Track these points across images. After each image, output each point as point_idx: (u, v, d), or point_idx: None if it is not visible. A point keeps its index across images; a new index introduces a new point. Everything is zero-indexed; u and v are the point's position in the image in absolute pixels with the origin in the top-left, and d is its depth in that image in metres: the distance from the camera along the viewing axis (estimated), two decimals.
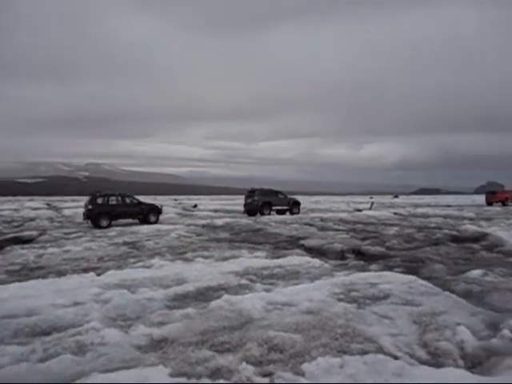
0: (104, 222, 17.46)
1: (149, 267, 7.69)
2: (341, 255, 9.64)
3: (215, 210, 28.98)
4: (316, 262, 8.19)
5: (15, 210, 26.68)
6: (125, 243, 11.69)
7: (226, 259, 8.52)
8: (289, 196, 25.32)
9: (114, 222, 18.11)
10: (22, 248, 10.76)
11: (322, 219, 18.53)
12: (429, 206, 33.44)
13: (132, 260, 8.87)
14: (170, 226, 15.77)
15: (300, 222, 17.27)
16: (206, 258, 8.75)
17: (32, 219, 20.69)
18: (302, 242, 11.59)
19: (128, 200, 18.94)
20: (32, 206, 29.74)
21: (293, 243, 11.60)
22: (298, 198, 28.67)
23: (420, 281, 6.19)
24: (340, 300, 5.24)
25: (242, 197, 23.06)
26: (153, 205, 20.10)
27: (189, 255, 9.14)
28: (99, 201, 18.01)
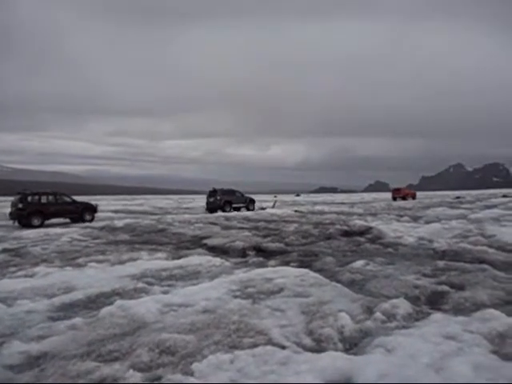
0: (36, 221, 17.17)
1: (31, 276, 6.94)
2: (242, 253, 9.87)
3: (116, 211, 27.42)
4: (217, 260, 8.27)
5: None
6: (5, 250, 10.36)
7: (122, 262, 8.10)
8: (246, 195, 28.16)
9: (45, 222, 17.67)
10: None
11: (226, 218, 18.76)
12: (325, 203, 36.17)
13: (12, 269, 7.90)
14: (63, 230, 14.43)
15: (204, 221, 17.25)
16: (100, 262, 8.20)
17: None
18: (204, 241, 11.58)
19: (62, 199, 18.72)
20: None
21: (195, 243, 11.53)
22: (204, 197, 28.58)
23: (312, 273, 6.65)
24: (236, 297, 5.36)
25: (145, 197, 22.71)
26: (88, 203, 19.86)
27: (81, 260, 8.47)
28: (30, 199, 17.57)
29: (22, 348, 3.85)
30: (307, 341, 4.06)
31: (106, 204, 35.88)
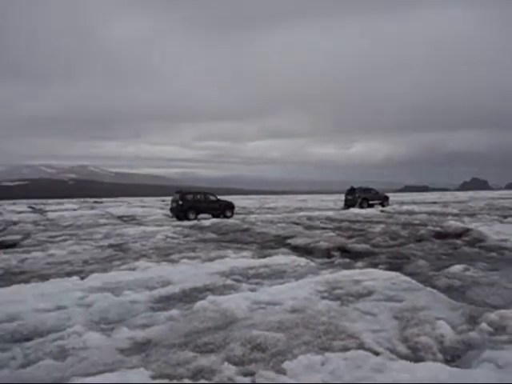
0: (191, 216, 20.45)
1: (134, 269, 7.64)
2: (327, 253, 9.71)
3: None
4: (302, 260, 8.25)
5: None
6: (110, 246, 11.58)
7: (211, 260, 8.51)
8: (380, 192, 30.97)
9: (196, 216, 20.74)
10: (5, 253, 10.55)
11: (309, 218, 18.63)
12: (414, 203, 33.90)
13: (117, 262, 8.80)
14: (157, 228, 15.67)
15: (287, 221, 17.34)
16: (191, 258, 8.72)
17: (15, 223, 20.32)
18: (288, 241, 11.64)
19: (209, 197, 21.90)
20: (15, 210, 29.19)
21: (279, 242, 11.64)
22: (286, 197, 29.16)
23: (403, 277, 6.28)
24: (324, 298, 5.29)
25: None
26: (228, 202, 22.69)
27: (175, 256, 9.11)
28: (188, 197, 21.01)
29: (129, 334, 4.27)
30: (402, 348, 3.85)
31: None
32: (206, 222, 17.14)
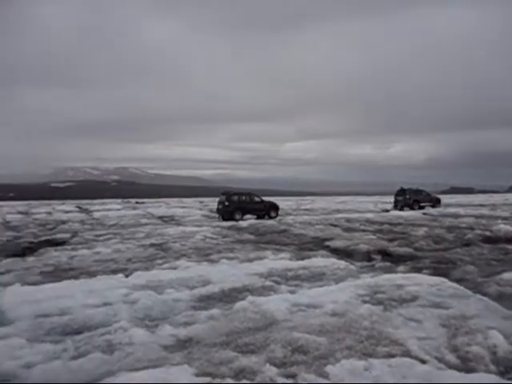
0: (237, 216, 20.55)
1: (175, 268, 7.82)
2: (367, 256, 9.49)
3: None
4: (341, 263, 8.10)
5: (48, 213, 27.72)
6: (152, 245, 11.93)
7: (250, 261, 8.55)
8: (432, 194, 30.52)
9: (241, 217, 20.88)
10: (55, 250, 11.16)
11: (347, 220, 18.29)
12: (460, 205, 32.36)
13: (159, 261, 9.05)
14: (196, 228, 15.97)
15: (325, 222, 17.12)
16: (230, 259, 8.81)
17: (64, 222, 21.43)
18: (327, 243, 11.49)
19: (254, 198, 22.05)
20: (64, 210, 30.82)
21: (318, 244, 11.51)
22: (323, 198, 28.88)
23: (450, 283, 6.01)
24: (365, 302, 5.16)
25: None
26: (273, 202, 22.75)
27: (214, 256, 9.24)
28: (234, 198, 21.34)
29: (172, 331, 4.37)
30: (451, 357, 3.67)
31: None
32: (244, 223, 17.26)
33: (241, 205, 21.35)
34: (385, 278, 6.42)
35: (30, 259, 9.87)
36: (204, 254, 9.89)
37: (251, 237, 13.56)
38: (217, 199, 23.54)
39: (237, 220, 19.82)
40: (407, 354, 3.63)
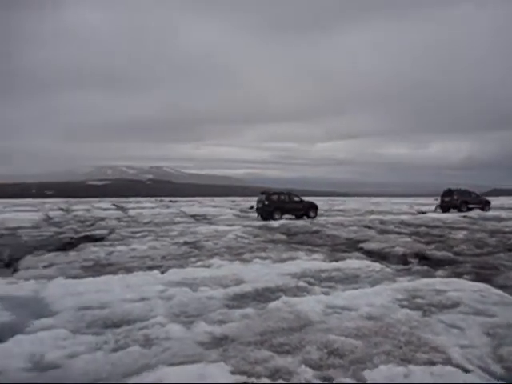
0: (277, 216, 20.67)
1: (208, 267, 7.93)
2: (403, 259, 9.23)
3: None
4: (376, 265, 7.92)
5: (87, 210, 28.85)
6: (185, 243, 12.15)
7: (283, 261, 8.53)
8: (481, 196, 29.76)
9: (281, 216, 21.01)
10: (94, 246, 11.60)
11: (381, 222, 17.86)
12: (503, 208, 30.82)
13: (192, 259, 9.20)
14: (228, 227, 16.11)
15: (358, 224, 16.79)
16: (263, 259, 8.83)
17: (102, 219, 22.23)
18: (360, 244, 11.27)
19: (293, 198, 22.09)
20: (101, 207, 31.98)
21: (351, 246, 11.32)
22: (355, 199, 28.20)
23: (493, 289, 5.74)
24: (403, 306, 5.01)
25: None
26: (312, 202, 22.57)
27: (246, 256, 9.29)
28: (274, 198, 21.47)
29: (207, 329, 4.42)
30: (496, 368, 3.50)
31: None
32: (275, 223, 17.24)
33: (280, 204, 21.38)
34: (423, 283, 6.23)
35: (72, 254, 10.31)
36: (236, 253, 9.96)
37: (283, 237, 13.52)
38: (248, 199, 23.69)
39: (276, 219, 19.89)
40: (449, 362, 3.49)
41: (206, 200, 49.44)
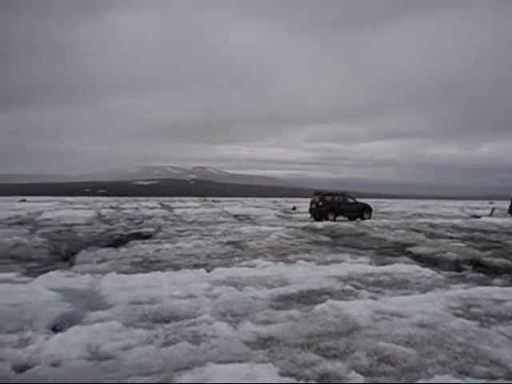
0: (330, 217, 20.59)
1: (253, 267, 7.97)
2: (456, 266, 8.75)
3: None
4: (427, 271, 7.58)
5: (135, 208, 30.07)
6: (229, 242, 12.29)
7: (327, 263, 8.39)
8: None
9: (334, 217, 20.83)
10: (143, 243, 12.05)
11: (431, 225, 17.08)
12: None
13: (236, 259, 9.29)
14: (271, 228, 16.12)
15: (406, 227, 16.18)
16: (307, 260, 8.74)
17: (149, 217, 23.06)
18: (409, 249, 10.85)
19: (347, 199, 21.93)
20: (148, 206, 33.20)
21: (399, 250, 10.92)
22: (403, 201, 27.08)
23: None
24: (458, 315, 4.76)
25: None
26: (366, 204, 22.48)
27: (290, 257, 9.24)
28: (328, 199, 21.42)
29: (253, 328, 4.44)
30: None
31: (304, 206, 38.17)
32: (319, 224, 17.02)
33: (334, 205, 21.20)
34: (479, 291, 5.88)
35: (122, 250, 10.78)
36: (280, 253, 9.94)
37: (327, 239, 13.31)
38: (290, 200, 23.56)
39: (329, 220, 19.71)
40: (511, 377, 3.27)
41: (248, 200, 49.83)
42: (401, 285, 6.70)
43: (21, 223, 18.69)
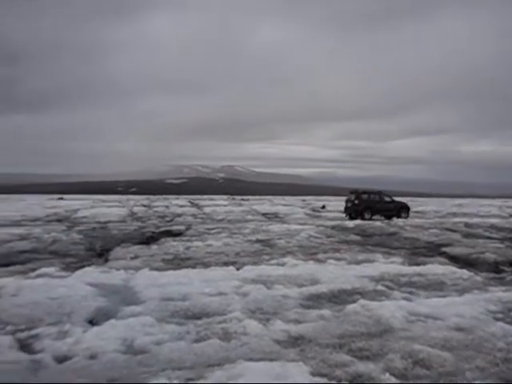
0: (367, 216, 20.14)
1: (282, 265, 7.95)
2: (495, 267, 8.39)
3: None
4: (464, 272, 7.30)
5: (166, 206, 30.69)
6: (258, 241, 12.31)
7: (359, 263, 8.25)
8: None
9: (370, 216, 20.52)
10: (174, 240, 12.27)
11: (466, 224, 16.43)
12: None
13: (265, 257, 9.30)
14: (300, 227, 16.02)
15: (440, 226, 15.64)
16: (338, 259, 8.62)
17: (179, 215, 23.48)
18: (443, 249, 10.49)
19: (384, 198, 21.43)
20: (178, 204, 33.79)
21: (433, 250, 10.58)
22: (435, 200, 26.26)
23: None
24: (498, 319, 4.57)
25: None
26: (403, 203, 22.07)
27: (320, 256, 9.15)
28: (364, 197, 20.92)
29: (283, 327, 4.43)
30: None
31: (333, 205, 37.68)
32: (350, 223, 16.75)
33: (370, 204, 20.74)
34: None
35: (153, 247, 11.03)
36: (310, 252, 9.86)
37: (357, 238, 13.08)
38: (319, 198, 23.25)
39: (365, 219, 19.33)
40: None
41: (277, 199, 49.76)
42: (436, 286, 6.49)
43: (58, 220, 19.51)
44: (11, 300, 5.21)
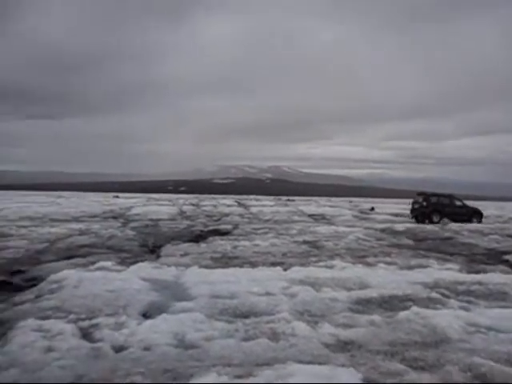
0: (435, 219, 19.95)
1: (330, 268, 7.82)
2: None
3: (395, 214, 27.17)
4: None
5: (214, 206, 31.37)
6: (305, 242, 12.22)
7: (411, 268, 7.92)
8: None
9: (439, 220, 20.23)
10: (221, 239, 12.51)
11: None
12: None
13: (313, 259, 9.20)
14: (348, 229, 15.69)
15: (501, 232, 14.60)
16: (388, 264, 8.32)
17: (227, 215, 23.90)
18: (506, 257, 9.79)
19: (455, 202, 21.02)
20: (226, 203, 34.40)
21: (493, 257, 9.91)
22: (497, 204, 24.71)
23: None
24: None
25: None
26: (476, 208, 21.60)
27: (370, 260, 8.89)
28: (433, 199, 20.71)
29: (332, 331, 4.35)
30: None
31: (382, 207, 36.47)
32: (400, 227, 16.14)
33: (439, 207, 20.26)
34: None
35: (202, 245, 11.31)
36: (358, 255, 9.62)
37: (409, 242, 12.57)
38: (367, 200, 22.63)
39: (434, 223, 18.73)
40: None
41: (323, 200, 49.05)
42: (497, 296, 6.05)
43: (114, 217, 20.63)
44: (73, 291, 5.57)
